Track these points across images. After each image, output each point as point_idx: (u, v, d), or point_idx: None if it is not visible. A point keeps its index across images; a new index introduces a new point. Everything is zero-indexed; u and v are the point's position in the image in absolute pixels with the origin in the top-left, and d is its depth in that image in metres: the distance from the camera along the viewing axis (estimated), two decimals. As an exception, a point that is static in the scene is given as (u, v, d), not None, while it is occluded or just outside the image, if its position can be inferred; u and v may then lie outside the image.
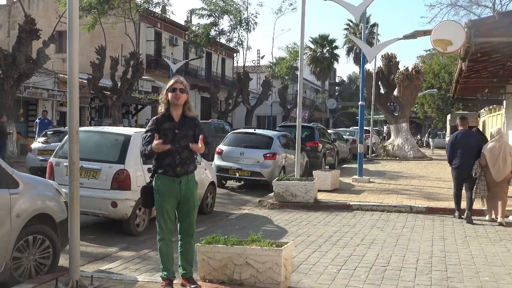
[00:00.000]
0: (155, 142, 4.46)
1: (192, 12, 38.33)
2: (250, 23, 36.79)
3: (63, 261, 5.62)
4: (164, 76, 33.11)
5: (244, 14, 36.49)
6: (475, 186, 9.07)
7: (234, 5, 36.03)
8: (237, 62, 46.28)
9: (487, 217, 9.25)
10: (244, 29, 36.90)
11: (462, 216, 9.27)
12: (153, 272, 5.52)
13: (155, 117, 4.79)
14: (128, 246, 7.14)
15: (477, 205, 10.23)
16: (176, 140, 4.61)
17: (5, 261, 4.72)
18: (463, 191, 9.33)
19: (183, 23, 40.54)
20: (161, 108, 4.74)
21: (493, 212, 9.13)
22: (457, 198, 9.50)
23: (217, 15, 36.13)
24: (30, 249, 5.06)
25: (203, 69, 41.94)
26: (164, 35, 37.19)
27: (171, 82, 4.76)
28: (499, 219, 8.84)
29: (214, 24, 36.32)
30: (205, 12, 36.37)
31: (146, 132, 4.69)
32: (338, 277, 5.45)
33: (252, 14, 37.67)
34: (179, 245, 4.77)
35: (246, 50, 38.52)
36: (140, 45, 31.66)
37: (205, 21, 36.44)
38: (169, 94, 4.68)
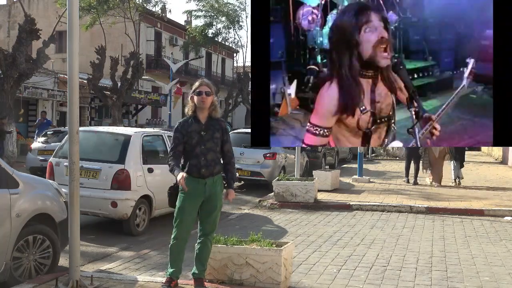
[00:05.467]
0: (180, 176, 4.44)
1: (189, 13, 38.51)
2: (240, 22, 37.05)
3: (63, 261, 5.62)
4: (164, 76, 33.10)
5: (241, 15, 36.65)
6: (421, 161, 13.98)
7: (229, 5, 36.23)
8: (237, 62, 46.37)
9: (428, 181, 14.00)
10: (238, 29, 37.16)
11: (410, 182, 14.04)
12: (153, 272, 5.52)
13: (182, 119, 4.83)
14: (128, 246, 7.14)
15: (477, 205, 10.28)
16: (202, 142, 4.64)
17: (5, 261, 4.73)
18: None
19: (183, 23, 40.57)
20: (188, 111, 4.77)
21: (433, 178, 13.85)
22: (408, 169, 14.36)
23: (212, 15, 36.26)
24: (30, 249, 5.06)
25: (203, 69, 41.95)
26: (164, 35, 37.18)
27: (196, 84, 4.73)
28: (436, 185, 13.58)
29: (210, 24, 36.45)
30: (201, 13, 36.58)
31: (174, 134, 4.75)
32: (338, 277, 5.46)
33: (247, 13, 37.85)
34: (196, 244, 4.79)
35: (246, 50, 38.62)
36: (140, 45, 31.63)
37: (201, 21, 36.73)
38: (195, 98, 4.68)
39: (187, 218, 4.67)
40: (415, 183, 13.90)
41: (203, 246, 4.73)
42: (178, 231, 4.67)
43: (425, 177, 14.32)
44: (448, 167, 14.38)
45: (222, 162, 4.81)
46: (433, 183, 13.73)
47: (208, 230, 4.75)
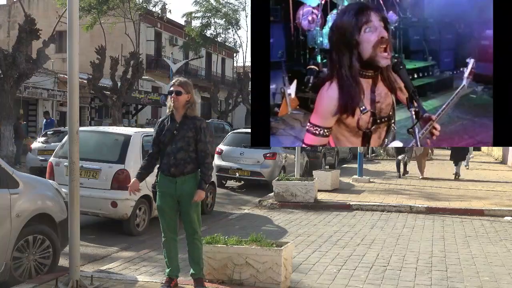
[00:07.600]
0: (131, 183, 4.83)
1: (188, 15, 38.63)
2: (239, 22, 37.22)
3: (63, 261, 5.63)
4: (164, 76, 33.11)
5: (240, 14, 36.97)
6: (404, 155, 15.79)
7: (229, 4, 36.37)
8: (237, 62, 46.42)
9: (420, 177, 15.40)
10: (237, 29, 37.32)
11: (401, 177, 15.66)
12: (153, 272, 5.52)
13: (162, 118, 4.93)
14: (128, 246, 7.14)
15: (477, 205, 10.29)
16: (174, 141, 4.66)
17: (5, 261, 4.73)
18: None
19: (183, 23, 40.62)
20: (168, 110, 4.82)
21: (421, 172, 15.66)
22: (399, 165, 15.99)
23: (209, 15, 36.36)
24: (30, 249, 5.06)
25: (203, 69, 41.95)
26: (164, 35, 37.19)
27: (171, 83, 4.80)
28: (420, 177, 15.34)
29: (208, 25, 36.52)
30: (200, 14, 36.66)
31: (153, 135, 4.88)
32: (338, 277, 5.46)
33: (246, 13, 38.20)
34: (187, 245, 4.82)
35: (246, 50, 38.73)
36: (140, 45, 31.64)
37: (200, 22, 36.85)
38: (168, 97, 4.76)
39: (166, 216, 4.74)
40: (400, 176, 15.78)
41: (191, 246, 4.75)
42: (162, 229, 4.78)
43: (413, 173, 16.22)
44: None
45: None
46: (419, 177, 15.54)
47: (190, 231, 4.74)
